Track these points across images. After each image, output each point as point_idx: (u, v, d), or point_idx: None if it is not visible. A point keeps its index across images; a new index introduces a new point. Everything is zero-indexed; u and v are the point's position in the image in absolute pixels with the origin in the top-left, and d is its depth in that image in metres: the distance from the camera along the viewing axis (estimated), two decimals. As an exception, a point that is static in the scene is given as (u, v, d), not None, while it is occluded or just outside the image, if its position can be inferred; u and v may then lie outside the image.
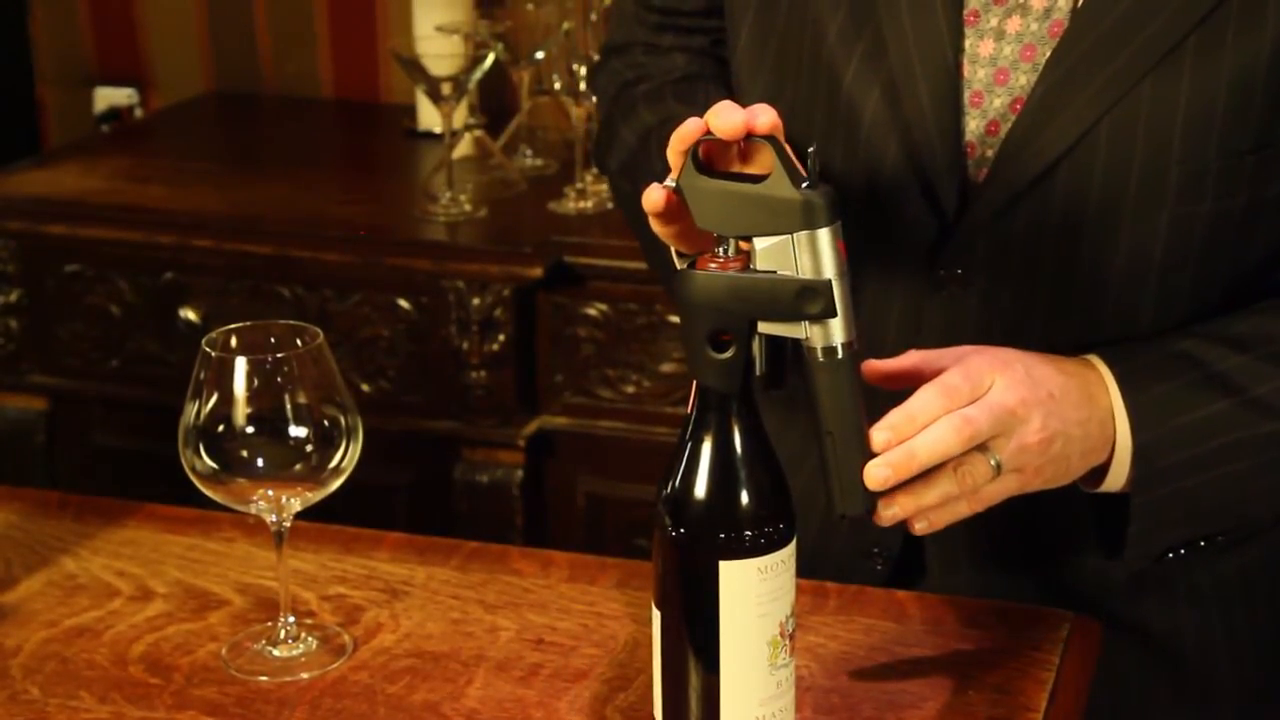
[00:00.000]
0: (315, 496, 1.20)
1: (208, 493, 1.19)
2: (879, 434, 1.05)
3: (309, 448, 1.18)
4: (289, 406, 1.17)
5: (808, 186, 1.01)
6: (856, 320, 1.04)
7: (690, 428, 1.05)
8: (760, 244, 1.02)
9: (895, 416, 1.06)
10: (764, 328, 1.03)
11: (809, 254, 1.01)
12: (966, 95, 1.21)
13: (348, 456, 1.20)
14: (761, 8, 1.29)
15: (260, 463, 1.18)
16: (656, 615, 1.07)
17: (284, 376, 1.16)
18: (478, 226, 2.35)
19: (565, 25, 2.50)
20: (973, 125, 1.21)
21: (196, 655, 1.23)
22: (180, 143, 2.77)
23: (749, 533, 1.04)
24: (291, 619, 1.24)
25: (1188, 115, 1.14)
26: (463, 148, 2.52)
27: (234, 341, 1.18)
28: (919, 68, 1.20)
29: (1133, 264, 1.19)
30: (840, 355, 1.03)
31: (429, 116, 2.63)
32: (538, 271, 2.23)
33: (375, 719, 1.16)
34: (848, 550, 1.33)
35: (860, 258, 1.08)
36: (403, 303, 2.29)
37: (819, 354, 1.03)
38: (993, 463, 1.08)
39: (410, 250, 2.29)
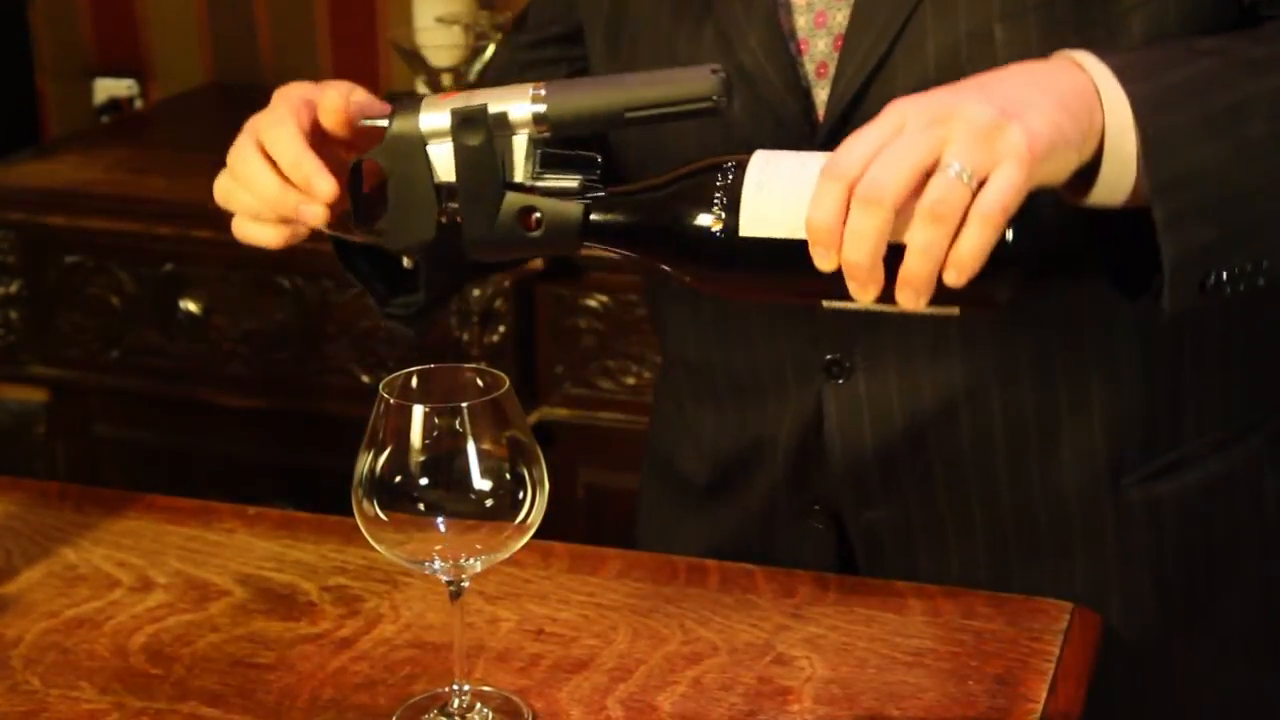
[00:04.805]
0: (498, 556, 1.11)
1: (380, 548, 1.10)
2: (826, 184, 0.95)
3: (490, 502, 1.09)
4: (470, 457, 1.08)
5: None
6: None
7: None
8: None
9: (835, 165, 0.96)
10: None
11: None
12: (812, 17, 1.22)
13: (534, 511, 1.10)
14: (612, 13, 1.31)
15: (440, 520, 1.09)
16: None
17: (463, 424, 1.07)
18: (478, 218, 2.34)
19: (565, 16, 2.50)
20: (821, 45, 1.22)
21: (197, 646, 1.23)
22: (180, 134, 2.76)
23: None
24: (466, 687, 1.15)
25: None
26: (463, 139, 2.51)
27: (414, 383, 1.10)
28: (744, 18, 1.22)
29: None
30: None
31: (429, 108, 2.63)
32: (537, 263, 2.22)
33: (376, 709, 1.16)
34: (788, 512, 1.34)
35: None
36: (403, 294, 2.29)
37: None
38: (953, 171, 0.95)
39: (410, 241, 2.28)
